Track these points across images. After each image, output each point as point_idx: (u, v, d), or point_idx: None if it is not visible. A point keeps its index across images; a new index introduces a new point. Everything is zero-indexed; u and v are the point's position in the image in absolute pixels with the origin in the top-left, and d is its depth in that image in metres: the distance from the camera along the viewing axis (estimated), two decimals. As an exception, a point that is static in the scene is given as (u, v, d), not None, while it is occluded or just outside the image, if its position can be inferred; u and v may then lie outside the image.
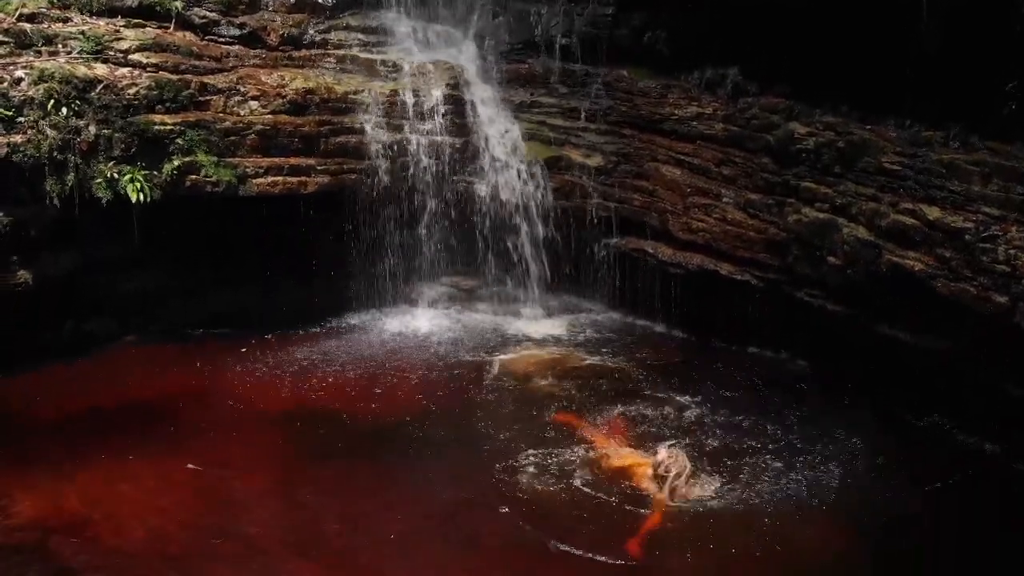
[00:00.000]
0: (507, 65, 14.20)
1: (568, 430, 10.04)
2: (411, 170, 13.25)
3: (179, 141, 11.62)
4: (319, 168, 12.64)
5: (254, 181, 12.15)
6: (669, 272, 13.06)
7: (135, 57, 11.79)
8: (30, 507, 8.24)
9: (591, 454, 9.48)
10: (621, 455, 9.47)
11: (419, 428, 10.21)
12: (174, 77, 11.84)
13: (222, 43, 12.89)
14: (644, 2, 13.21)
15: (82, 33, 11.65)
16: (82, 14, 12.01)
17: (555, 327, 13.38)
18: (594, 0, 13.65)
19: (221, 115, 12.05)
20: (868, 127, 10.65)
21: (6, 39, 11.14)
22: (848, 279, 10.78)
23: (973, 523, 8.55)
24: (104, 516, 8.19)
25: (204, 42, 12.72)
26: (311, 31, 13.59)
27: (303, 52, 13.40)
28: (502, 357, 12.20)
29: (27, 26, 11.44)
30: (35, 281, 10.94)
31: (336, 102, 12.83)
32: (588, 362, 12.14)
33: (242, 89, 12.26)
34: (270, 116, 12.32)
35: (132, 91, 11.42)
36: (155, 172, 11.46)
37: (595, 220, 13.59)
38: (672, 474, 8.74)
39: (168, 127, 11.57)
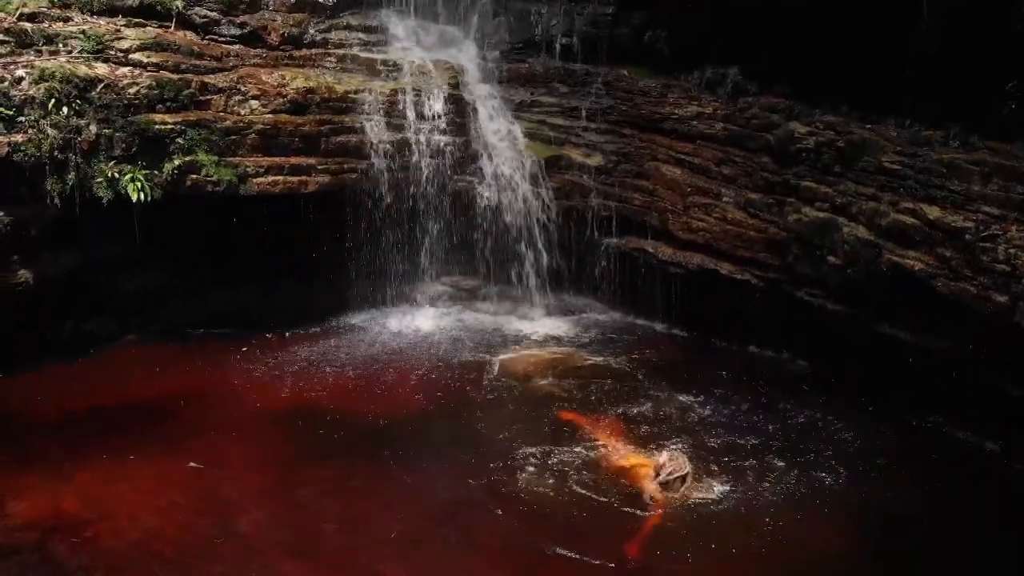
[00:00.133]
0: (507, 64, 14.23)
1: (569, 430, 10.04)
2: (411, 169, 13.25)
3: (180, 140, 11.62)
4: (320, 167, 12.64)
5: (255, 180, 12.15)
6: (669, 271, 13.06)
7: (136, 56, 11.80)
8: (29, 507, 8.26)
9: (591, 454, 9.48)
10: (622, 456, 9.47)
11: (419, 428, 10.22)
12: (175, 76, 11.85)
13: (223, 42, 12.90)
14: (644, 2, 13.22)
15: (83, 32, 11.66)
16: (83, 13, 12.02)
17: (555, 326, 13.39)
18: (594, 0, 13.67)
19: (222, 114, 12.05)
20: (868, 126, 10.66)
21: (7, 38, 11.15)
22: (848, 278, 10.77)
23: (973, 523, 8.55)
24: (103, 516, 8.19)
25: (205, 41, 12.73)
26: (312, 30, 13.60)
27: (304, 51, 13.41)
28: (502, 357, 12.20)
29: (28, 25, 11.45)
30: (35, 281, 10.95)
31: (337, 101, 12.84)
32: (588, 361, 12.14)
33: (243, 88, 12.27)
34: (271, 115, 12.32)
35: (133, 90, 11.43)
36: (156, 171, 11.47)
37: (595, 219, 13.60)
38: (673, 477, 8.73)
39: (169, 126, 11.58)
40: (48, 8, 11.75)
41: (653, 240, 13.31)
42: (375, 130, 12.97)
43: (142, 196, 11.22)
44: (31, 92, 10.79)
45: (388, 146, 13.03)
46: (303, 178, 12.51)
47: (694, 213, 12.66)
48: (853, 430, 10.14)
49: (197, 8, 12.78)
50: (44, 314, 11.25)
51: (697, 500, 8.68)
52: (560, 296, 13.94)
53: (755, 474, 9.16)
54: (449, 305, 13.92)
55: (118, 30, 11.96)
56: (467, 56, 14.26)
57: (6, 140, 10.52)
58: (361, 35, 13.94)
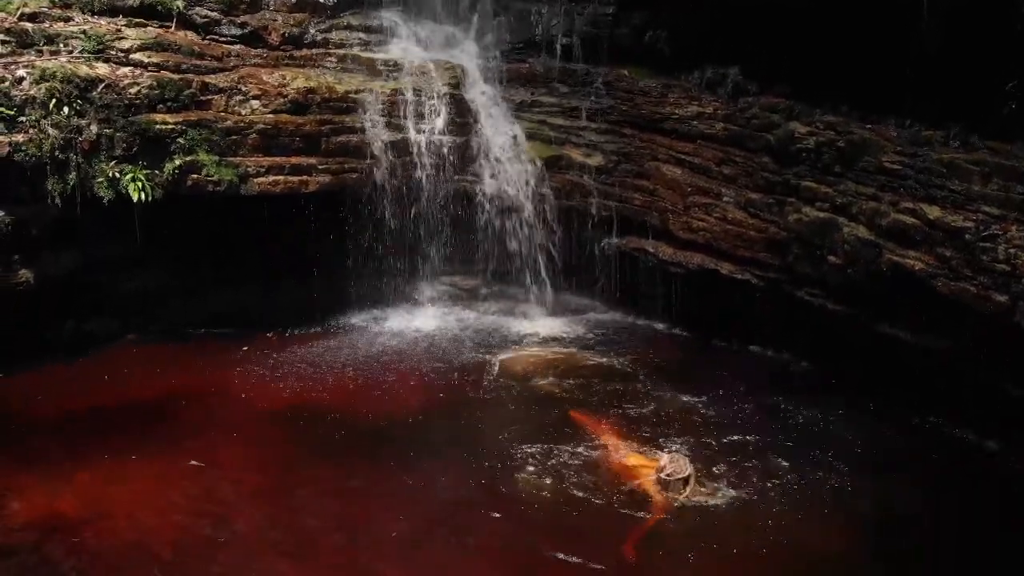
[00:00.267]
0: (508, 64, 14.24)
1: (570, 430, 10.02)
2: (412, 169, 13.26)
3: (180, 140, 11.63)
4: (320, 167, 12.66)
5: (255, 180, 12.16)
6: (670, 271, 13.07)
7: (136, 56, 11.82)
8: (28, 507, 8.26)
9: (592, 455, 9.47)
10: (622, 456, 9.45)
11: (419, 428, 10.21)
12: (175, 76, 11.87)
13: (223, 42, 12.92)
14: (645, 2, 13.24)
15: (83, 32, 11.67)
16: (83, 13, 12.04)
17: (555, 326, 13.39)
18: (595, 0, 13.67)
19: (222, 114, 12.07)
20: (868, 126, 10.67)
21: (8, 38, 11.17)
22: (848, 278, 10.77)
23: (973, 523, 8.54)
24: (102, 516, 8.19)
25: (205, 41, 12.75)
26: (312, 30, 13.62)
27: (304, 51, 13.43)
28: (502, 356, 12.20)
29: (29, 25, 11.47)
30: (36, 280, 10.96)
31: (337, 101, 12.85)
32: (589, 361, 12.14)
33: (243, 88, 12.28)
34: (271, 115, 12.34)
35: (134, 90, 11.44)
36: (156, 171, 11.48)
37: (596, 219, 13.61)
38: (674, 479, 8.71)
39: (169, 126, 11.59)
40: (49, 8, 11.79)
41: (653, 240, 13.31)
42: (375, 130, 12.99)
43: (143, 196, 11.23)
44: (32, 92, 10.81)
45: (388, 146, 13.05)
46: (304, 178, 12.52)
47: (694, 213, 12.66)
48: (853, 430, 10.14)
49: (198, 8, 12.81)
50: (44, 314, 11.26)
51: (698, 501, 8.66)
52: (560, 296, 13.94)
53: (756, 474, 9.16)
54: (449, 305, 13.93)
55: (119, 30, 11.98)
56: (467, 56, 14.28)
57: (7, 140, 10.54)
58: (362, 35, 13.96)
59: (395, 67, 13.59)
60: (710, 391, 11.04)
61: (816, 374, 11.67)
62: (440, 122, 13.40)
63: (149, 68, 11.79)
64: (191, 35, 12.65)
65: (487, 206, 13.57)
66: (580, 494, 8.73)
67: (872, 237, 10.38)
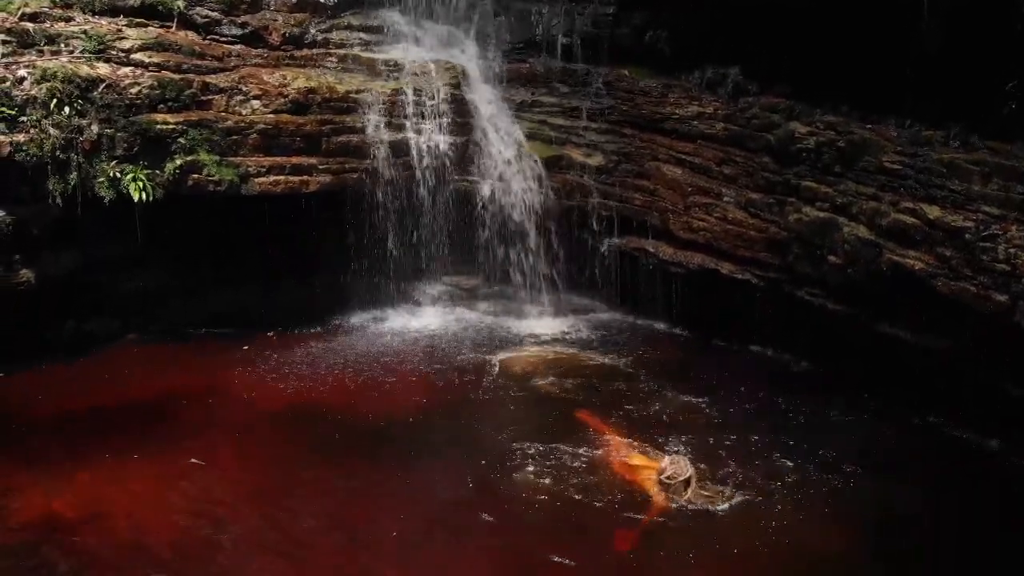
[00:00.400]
0: (508, 64, 14.24)
1: (571, 430, 10.00)
2: (412, 169, 13.26)
3: (181, 140, 11.64)
4: (321, 167, 12.66)
5: (256, 180, 12.17)
6: (670, 271, 13.06)
7: (137, 56, 11.84)
8: (28, 507, 8.25)
9: (592, 455, 9.46)
10: (623, 457, 9.44)
11: (419, 428, 10.21)
12: (176, 76, 11.88)
13: (224, 42, 12.93)
14: (645, 2, 13.24)
15: (84, 32, 11.69)
16: (84, 13, 12.06)
17: (555, 326, 13.39)
18: (595, -1, 13.70)
19: (223, 114, 12.08)
20: (869, 126, 10.66)
21: (9, 38, 11.18)
22: (848, 278, 10.77)
23: (973, 522, 8.53)
24: (102, 516, 8.19)
25: (206, 41, 12.77)
26: (313, 30, 13.63)
27: (305, 51, 13.44)
28: (503, 356, 12.19)
29: (30, 25, 11.49)
30: (36, 280, 10.98)
31: (338, 101, 12.85)
32: (589, 361, 12.14)
33: (244, 88, 12.28)
34: (272, 115, 12.34)
35: (134, 90, 11.45)
36: (157, 171, 11.49)
37: (596, 219, 13.60)
38: (676, 480, 8.71)
39: (170, 126, 11.60)
40: (50, 8, 11.80)
41: (654, 240, 13.31)
42: (376, 130, 12.99)
43: (144, 196, 11.24)
44: (33, 92, 10.82)
45: (389, 146, 13.05)
46: (304, 178, 12.53)
47: (695, 213, 12.66)
48: (853, 429, 10.13)
49: (198, 8, 12.83)
50: (44, 314, 11.28)
51: (699, 501, 8.65)
52: (561, 296, 13.93)
53: (756, 474, 9.14)
54: (450, 305, 13.93)
55: (120, 30, 12.00)
56: (468, 56, 14.28)
57: (8, 140, 10.56)
58: (362, 35, 13.97)
59: (396, 67, 13.59)
60: (710, 391, 11.03)
61: (816, 374, 11.66)
62: (441, 122, 13.40)
63: (150, 68, 11.81)
64: (192, 35, 12.66)
65: (487, 206, 13.56)
66: (581, 494, 8.71)
67: (872, 237, 10.37)
